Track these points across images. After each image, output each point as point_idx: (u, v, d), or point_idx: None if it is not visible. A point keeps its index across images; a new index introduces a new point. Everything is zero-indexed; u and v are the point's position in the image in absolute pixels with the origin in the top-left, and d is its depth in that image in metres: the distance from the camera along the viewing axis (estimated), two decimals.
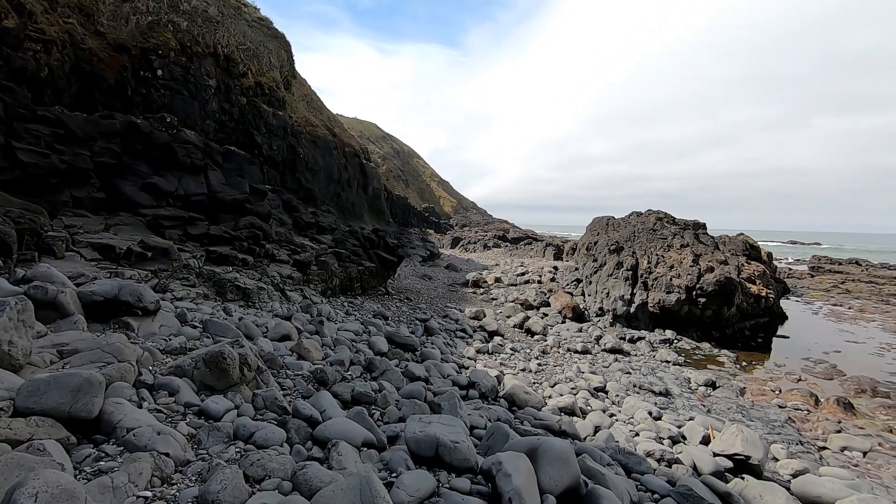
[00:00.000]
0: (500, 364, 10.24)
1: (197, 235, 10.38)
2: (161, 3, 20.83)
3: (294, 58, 30.49)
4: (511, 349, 11.97)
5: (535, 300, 20.73)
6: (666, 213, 28.42)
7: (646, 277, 20.01)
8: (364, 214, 32.87)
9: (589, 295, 22.18)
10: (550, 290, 22.11)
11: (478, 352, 10.77)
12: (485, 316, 16.24)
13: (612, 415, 8.04)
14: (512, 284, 23.54)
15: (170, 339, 5.59)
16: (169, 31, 20.15)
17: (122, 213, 10.02)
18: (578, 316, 19.78)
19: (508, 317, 17.32)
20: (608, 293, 20.76)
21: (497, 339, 12.78)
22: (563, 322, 18.86)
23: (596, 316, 20.27)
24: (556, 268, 28.30)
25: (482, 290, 21.80)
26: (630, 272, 20.51)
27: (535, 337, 14.90)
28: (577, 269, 26.44)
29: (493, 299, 20.43)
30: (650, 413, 7.99)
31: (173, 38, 20.21)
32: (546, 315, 19.35)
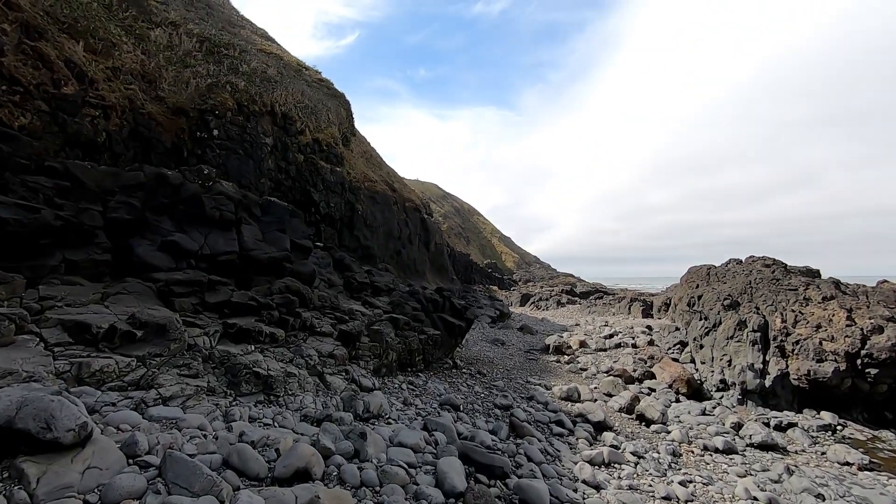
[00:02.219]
0: (630, 488, 6.80)
1: (216, 304, 8.16)
2: (221, 66, 20.74)
3: (353, 116, 30.08)
4: (633, 454, 8.43)
5: (634, 370, 16.83)
6: (775, 259, 23.92)
7: (781, 340, 15.67)
8: (426, 272, 30.61)
9: (702, 362, 17.89)
10: (652, 357, 18.09)
11: (592, 464, 7.40)
12: (580, 396, 12.71)
13: None
14: (601, 349, 19.72)
15: None
16: (227, 92, 19.78)
17: (130, 279, 8.05)
18: (695, 391, 15.63)
19: (609, 395, 13.64)
20: (730, 361, 16.50)
21: (608, 436, 9.27)
22: (678, 400, 14.82)
23: (717, 390, 15.99)
24: (649, 327, 24.09)
25: (567, 357, 18.21)
26: (758, 334, 16.25)
27: (653, 427, 11.13)
28: (677, 328, 22.14)
29: (581, 369, 16.79)
30: None
31: (230, 98, 19.76)
32: (653, 390, 15.40)
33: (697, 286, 24.55)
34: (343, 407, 7.16)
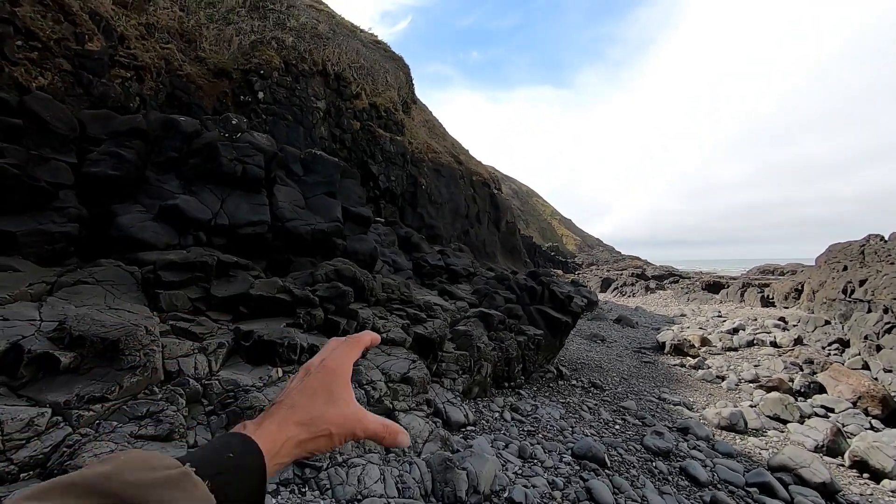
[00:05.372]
0: None
1: (226, 300, 5.23)
2: (266, 21, 18.20)
3: (413, 81, 26.93)
4: None
5: (790, 380, 12.63)
6: None
7: None
8: (497, 254, 27.19)
9: (887, 370, 13.30)
10: (810, 362, 13.75)
11: None
12: (746, 425, 8.95)
13: None
14: (730, 348, 15.50)
15: None
16: (272, 49, 17.22)
17: (105, 262, 5.29)
18: (892, 413, 11.25)
19: (780, 420, 9.71)
20: None
21: None
22: (872, 427, 10.58)
23: None
24: (783, 319, 19.35)
25: (692, 359, 14.23)
26: None
27: (887, 484, 7.21)
28: (826, 322, 17.37)
29: (718, 378, 12.79)
30: None
31: (277, 55, 17.16)
32: (830, 410, 11.23)
33: (846, 268, 19.43)
34: (432, 487, 3.98)
